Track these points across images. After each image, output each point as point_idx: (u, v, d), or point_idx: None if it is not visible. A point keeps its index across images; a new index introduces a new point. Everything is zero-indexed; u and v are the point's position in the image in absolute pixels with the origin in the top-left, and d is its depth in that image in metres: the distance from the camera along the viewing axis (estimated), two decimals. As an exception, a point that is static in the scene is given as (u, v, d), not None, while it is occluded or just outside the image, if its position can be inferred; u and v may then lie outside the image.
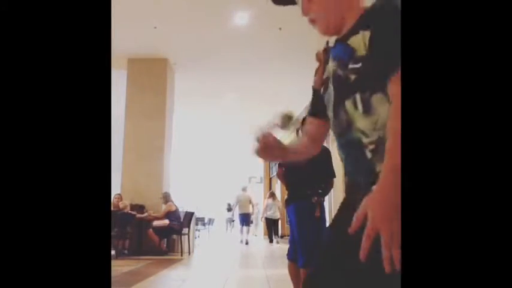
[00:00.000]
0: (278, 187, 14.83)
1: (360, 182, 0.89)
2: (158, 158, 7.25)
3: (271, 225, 11.24)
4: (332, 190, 3.11)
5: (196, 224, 11.65)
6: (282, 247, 9.62)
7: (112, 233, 6.09)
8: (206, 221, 17.19)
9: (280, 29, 6.11)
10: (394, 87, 0.81)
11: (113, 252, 6.44)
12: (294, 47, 6.73)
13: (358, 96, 0.89)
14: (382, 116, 0.86)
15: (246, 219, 11.32)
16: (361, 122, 0.89)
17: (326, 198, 2.95)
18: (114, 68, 6.93)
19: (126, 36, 6.44)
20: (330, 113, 1.01)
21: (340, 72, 0.95)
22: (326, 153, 2.87)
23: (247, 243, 10.71)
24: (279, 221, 11.41)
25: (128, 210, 6.87)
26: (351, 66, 0.91)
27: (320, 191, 2.77)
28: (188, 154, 15.38)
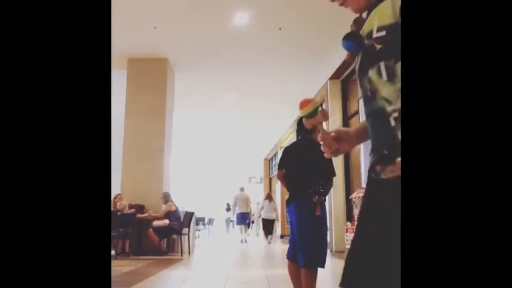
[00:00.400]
0: (278, 187, 14.84)
1: (383, 150, 0.88)
2: (158, 158, 7.25)
3: (268, 226, 11.55)
4: (332, 189, 3.09)
5: (197, 224, 11.96)
6: (280, 247, 9.62)
7: (114, 234, 6.09)
8: (206, 221, 17.20)
9: (280, 29, 6.11)
10: None
11: (112, 252, 6.44)
12: (294, 47, 6.74)
13: (382, 64, 0.88)
14: None
15: (244, 218, 11.72)
16: (385, 90, 0.88)
17: (326, 197, 2.93)
18: (114, 68, 6.94)
19: (126, 36, 6.44)
20: (360, 84, 0.99)
21: (366, 42, 0.93)
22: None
23: (245, 242, 11.13)
24: (274, 222, 11.80)
25: (126, 210, 6.87)
26: (375, 35, 0.90)
27: (321, 190, 2.74)
28: (188, 154, 15.39)
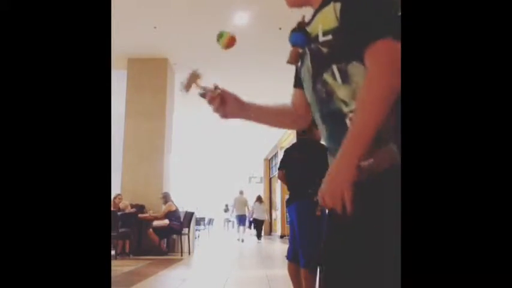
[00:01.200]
0: (278, 187, 14.84)
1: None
2: (158, 158, 7.25)
3: (259, 226, 12.60)
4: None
5: (198, 224, 12.61)
6: (280, 247, 9.62)
7: (114, 234, 6.10)
8: (206, 221, 17.22)
9: (280, 29, 6.11)
10: (370, 59, 0.83)
11: (112, 252, 6.44)
12: (294, 47, 6.73)
13: (334, 67, 0.91)
14: (360, 84, 0.87)
15: (242, 220, 12.78)
16: (341, 92, 0.91)
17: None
18: (114, 68, 6.94)
19: (126, 36, 6.44)
20: (308, 88, 1.02)
21: (312, 46, 0.96)
22: (324, 150, 2.85)
23: (242, 241, 11.81)
24: (263, 222, 12.96)
25: (128, 210, 6.88)
26: (321, 39, 0.93)
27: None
28: (188, 154, 15.39)
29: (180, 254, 6.98)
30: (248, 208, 12.97)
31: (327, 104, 0.94)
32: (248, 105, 1.14)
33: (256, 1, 5.47)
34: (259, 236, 12.38)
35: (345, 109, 0.90)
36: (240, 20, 5.98)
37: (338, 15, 0.89)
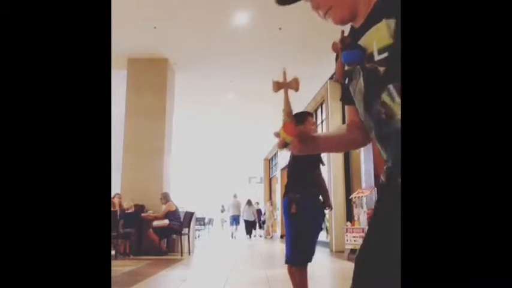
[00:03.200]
0: (278, 187, 14.85)
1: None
2: (158, 158, 7.25)
3: (248, 226, 15.06)
4: (332, 190, 3.09)
5: (201, 224, 14.76)
6: (280, 247, 9.62)
7: (114, 234, 6.10)
8: (206, 221, 17.30)
9: (280, 29, 6.11)
10: None
11: (112, 252, 6.44)
12: (294, 47, 6.73)
13: (391, 87, 0.87)
14: None
15: (236, 220, 15.31)
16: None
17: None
18: (114, 68, 6.94)
19: (126, 36, 6.44)
20: (361, 107, 0.98)
21: (367, 65, 0.92)
22: (317, 156, 2.88)
23: (235, 238, 14.32)
24: (254, 222, 15.31)
25: (132, 210, 6.89)
26: (377, 58, 0.89)
27: (299, 188, 2.76)
28: (188, 154, 15.39)
29: (180, 254, 6.98)
30: (240, 209, 15.30)
31: (386, 125, 0.90)
32: (318, 139, 1.10)
33: (256, 1, 5.47)
34: (249, 233, 14.73)
35: None
36: (240, 20, 5.98)
37: (392, 32, 0.85)
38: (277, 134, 1.01)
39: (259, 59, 7.34)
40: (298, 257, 2.69)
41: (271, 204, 15.45)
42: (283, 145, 1.01)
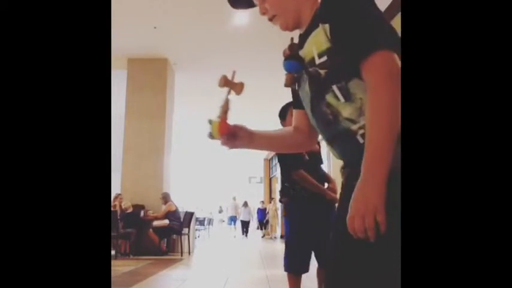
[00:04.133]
0: (278, 187, 14.82)
1: (358, 169, 0.86)
2: (158, 158, 7.25)
3: (244, 226, 15.86)
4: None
5: (202, 224, 15.28)
6: (280, 247, 9.62)
7: (114, 234, 6.10)
8: (206, 221, 17.36)
9: (280, 29, 6.10)
10: (368, 75, 0.84)
11: (112, 252, 6.44)
12: (294, 47, 6.72)
13: (335, 87, 0.91)
14: (365, 100, 0.87)
15: (233, 220, 16.85)
16: (346, 111, 0.91)
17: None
18: (114, 68, 6.93)
19: (126, 36, 6.43)
20: (308, 110, 1.02)
21: (310, 69, 0.97)
22: (318, 160, 2.73)
23: (235, 237, 15.48)
24: (249, 222, 16.04)
25: (131, 210, 6.88)
26: (318, 61, 0.93)
27: (291, 190, 2.58)
28: (188, 154, 15.39)
29: (180, 254, 6.98)
30: (238, 211, 16.45)
31: (334, 126, 0.94)
32: (255, 135, 1.13)
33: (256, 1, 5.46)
34: (246, 233, 15.53)
35: (354, 127, 0.90)
36: (240, 20, 5.98)
37: (329, 35, 0.90)
38: (209, 123, 1.10)
39: (259, 59, 7.33)
40: (290, 264, 2.50)
41: (275, 203, 15.16)
42: (211, 137, 1.10)
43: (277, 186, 15.16)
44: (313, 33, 0.95)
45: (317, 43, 0.93)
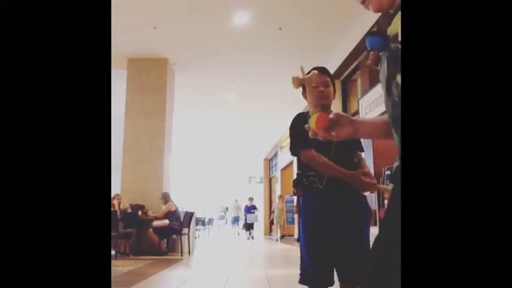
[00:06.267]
0: (278, 187, 14.82)
1: None
2: (158, 158, 7.25)
3: (249, 227, 16.24)
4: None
5: (202, 224, 15.41)
6: (280, 247, 9.62)
7: (114, 234, 6.10)
8: (206, 221, 17.41)
9: (280, 29, 6.11)
10: None
11: (112, 252, 6.44)
12: (294, 47, 6.73)
13: None
14: None
15: (236, 220, 17.88)
16: None
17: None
18: (114, 68, 6.94)
19: (126, 36, 6.44)
20: (384, 91, 0.97)
21: (391, 46, 0.92)
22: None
23: (238, 235, 16.71)
24: (253, 224, 16.26)
25: (130, 210, 6.89)
26: (400, 37, 0.87)
27: (304, 180, 1.95)
28: (188, 154, 15.39)
29: (180, 254, 6.98)
30: (239, 212, 17.37)
31: (398, 108, 0.88)
32: (357, 122, 1.06)
33: (256, 1, 5.47)
34: (250, 233, 15.89)
35: None
36: (240, 20, 5.98)
37: None
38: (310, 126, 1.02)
39: (259, 59, 7.34)
40: (305, 274, 1.90)
41: (282, 201, 13.64)
42: (311, 133, 1.02)
43: (277, 186, 15.15)
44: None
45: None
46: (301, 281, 1.93)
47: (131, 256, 6.69)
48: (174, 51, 7.16)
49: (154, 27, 6.20)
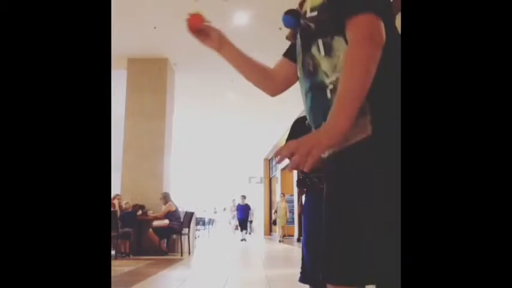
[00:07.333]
0: (278, 187, 14.83)
1: (322, 121, 0.92)
2: (158, 158, 7.25)
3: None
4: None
5: (200, 224, 15.20)
6: (280, 247, 9.62)
7: (116, 233, 6.10)
8: (206, 221, 17.41)
9: (280, 29, 6.09)
10: (350, 32, 0.88)
11: (112, 252, 6.44)
12: (294, 47, 6.72)
13: (320, 41, 0.96)
14: (341, 59, 0.91)
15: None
16: (324, 64, 0.96)
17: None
18: (114, 68, 6.94)
19: (126, 36, 6.43)
20: (299, 63, 1.07)
21: (302, 22, 1.04)
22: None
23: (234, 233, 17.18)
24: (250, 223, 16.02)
25: (129, 210, 6.89)
26: (308, 15, 0.99)
27: (306, 179, 2.06)
28: (188, 154, 15.39)
29: (180, 254, 6.98)
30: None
31: (313, 77, 0.99)
32: (226, 43, 1.30)
33: (256, 1, 5.47)
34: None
35: (326, 81, 0.95)
36: (240, 20, 5.98)
37: None
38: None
39: (259, 59, 7.29)
40: (307, 274, 1.98)
41: (284, 200, 12.88)
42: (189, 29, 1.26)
43: (277, 186, 15.15)
44: None
45: None
46: (302, 280, 2.00)
47: (131, 256, 6.69)
48: (174, 51, 7.15)
49: (154, 27, 6.20)
